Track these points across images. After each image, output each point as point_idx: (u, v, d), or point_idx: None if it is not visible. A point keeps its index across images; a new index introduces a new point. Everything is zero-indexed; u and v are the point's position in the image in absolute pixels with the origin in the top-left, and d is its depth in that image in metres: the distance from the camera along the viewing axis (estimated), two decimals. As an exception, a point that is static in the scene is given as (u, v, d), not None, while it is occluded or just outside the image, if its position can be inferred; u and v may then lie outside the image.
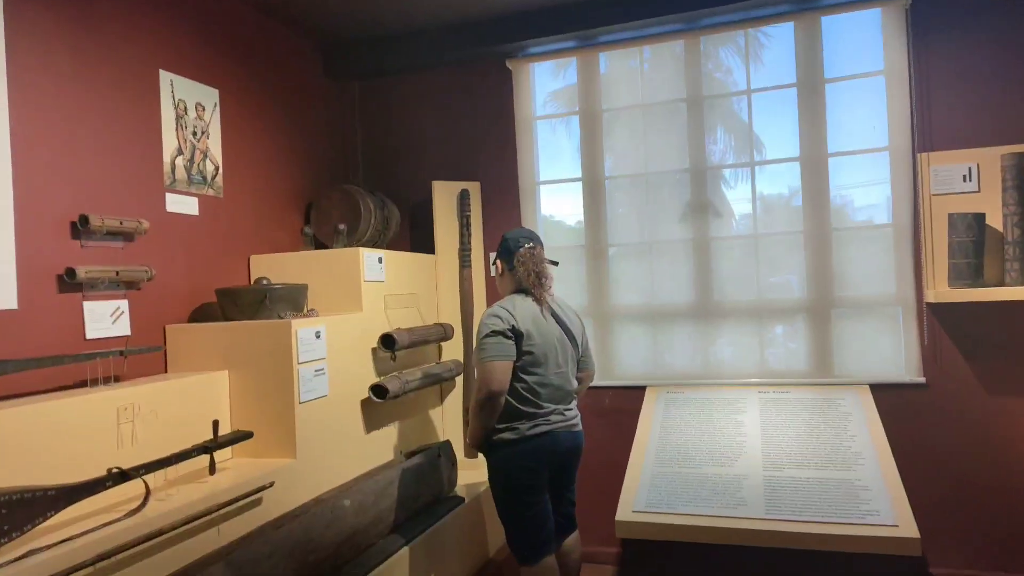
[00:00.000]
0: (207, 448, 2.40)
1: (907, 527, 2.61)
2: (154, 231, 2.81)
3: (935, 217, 3.25)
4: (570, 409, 2.74)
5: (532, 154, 3.95)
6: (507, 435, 2.60)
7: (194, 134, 3.04)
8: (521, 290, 2.77)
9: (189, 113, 3.02)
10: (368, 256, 3.25)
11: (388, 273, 3.40)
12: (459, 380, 3.88)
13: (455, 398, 3.89)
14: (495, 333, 2.58)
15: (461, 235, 3.91)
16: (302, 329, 2.73)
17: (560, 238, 3.95)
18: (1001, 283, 3.11)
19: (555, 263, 2.84)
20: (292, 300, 2.93)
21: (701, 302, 3.65)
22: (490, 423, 2.61)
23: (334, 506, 2.59)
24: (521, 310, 2.66)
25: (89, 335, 2.51)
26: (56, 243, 2.42)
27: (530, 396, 2.63)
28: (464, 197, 3.90)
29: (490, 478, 2.68)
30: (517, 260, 2.76)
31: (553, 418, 2.67)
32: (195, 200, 3.05)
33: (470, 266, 3.91)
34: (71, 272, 2.41)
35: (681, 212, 3.70)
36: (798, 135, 3.50)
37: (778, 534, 2.68)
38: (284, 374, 2.68)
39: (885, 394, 3.31)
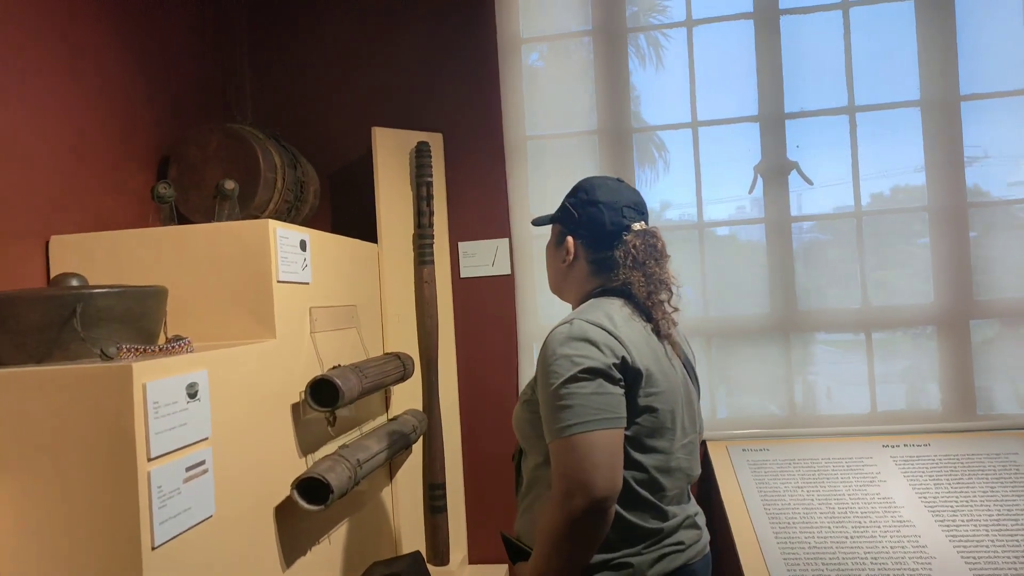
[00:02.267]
0: None
1: None
2: None
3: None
4: (698, 513, 1.47)
5: (520, 93, 2.63)
6: (612, 579, 1.30)
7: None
8: (609, 291, 1.46)
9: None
10: (283, 236, 1.79)
11: (314, 270, 1.96)
12: (417, 444, 2.48)
13: (411, 472, 2.48)
14: (590, 373, 1.27)
15: (418, 213, 2.51)
16: (155, 383, 1.26)
17: (565, 220, 2.66)
18: None
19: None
20: (133, 320, 1.44)
21: (781, 313, 2.49)
22: (587, 558, 1.27)
23: None
24: (628, 329, 1.35)
25: None
26: None
27: (648, 495, 1.34)
28: (422, 154, 2.51)
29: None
30: (622, 251, 1.44)
31: (686, 536, 1.38)
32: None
33: (432, 262, 2.52)
34: None
35: (749, 181, 2.52)
36: (917, 69, 2.44)
37: None
38: (117, 484, 1.21)
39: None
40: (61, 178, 1.87)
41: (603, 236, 1.44)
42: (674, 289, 1.46)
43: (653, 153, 2.61)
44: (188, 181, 2.15)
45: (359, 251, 2.32)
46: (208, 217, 2.07)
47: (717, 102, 2.55)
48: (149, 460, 1.24)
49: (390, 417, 2.33)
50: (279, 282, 1.75)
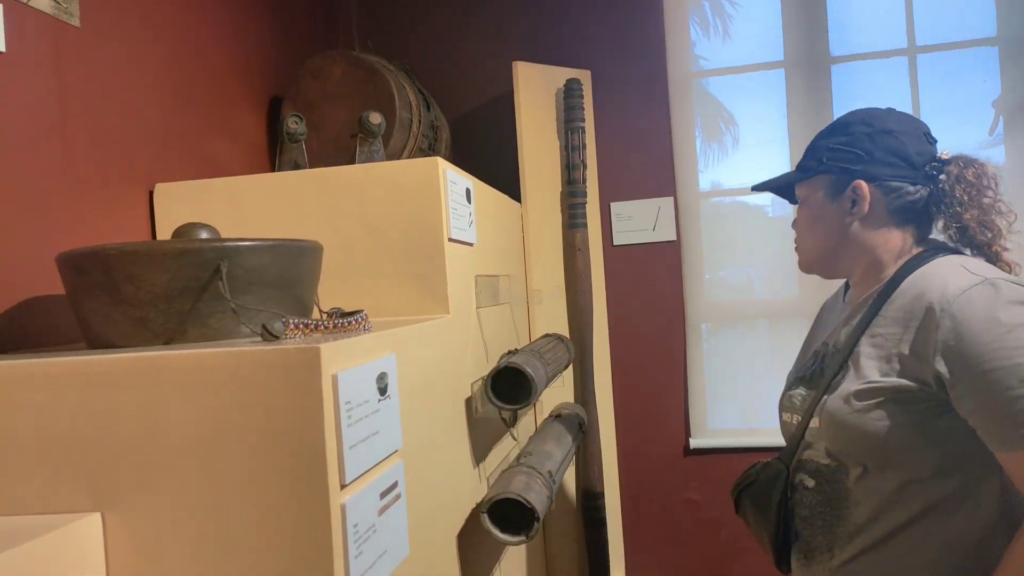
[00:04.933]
0: None
1: None
2: None
3: None
4: None
5: (685, 20, 2.17)
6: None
7: None
8: (937, 248, 1.10)
9: None
10: (452, 182, 1.38)
11: (476, 229, 1.54)
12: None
13: (565, 483, 2.06)
14: None
15: (568, 165, 2.08)
16: (346, 373, 0.85)
17: (740, 174, 2.20)
18: None
19: None
20: (288, 285, 1.04)
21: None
22: None
23: None
24: None
25: None
26: None
27: None
28: (573, 94, 2.07)
29: None
30: (945, 186, 1.07)
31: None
32: (-6, 8, 1.09)
33: (585, 225, 2.09)
34: None
35: (989, 120, 2.03)
36: None
37: None
38: (299, 522, 0.80)
39: None
40: (163, 120, 1.48)
41: (912, 172, 1.09)
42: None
43: (855, 88, 2.13)
44: (309, 120, 1.75)
45: (506, 209, 1.90)
46: (328, 165, 1.67)
47: (935, 23, 2.05)
48: (343, 487, 0.83)
49: (556, 417, 1.91)
50: (450, 240, 1.34)
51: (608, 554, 2.05)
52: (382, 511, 0.92)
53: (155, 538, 0.83)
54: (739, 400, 2.19)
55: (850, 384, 1.03)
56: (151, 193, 1.42)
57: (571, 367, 2.07)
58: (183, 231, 1.08)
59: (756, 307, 2.18)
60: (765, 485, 1.14)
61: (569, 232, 2.08)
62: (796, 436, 1.12)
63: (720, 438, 2.16)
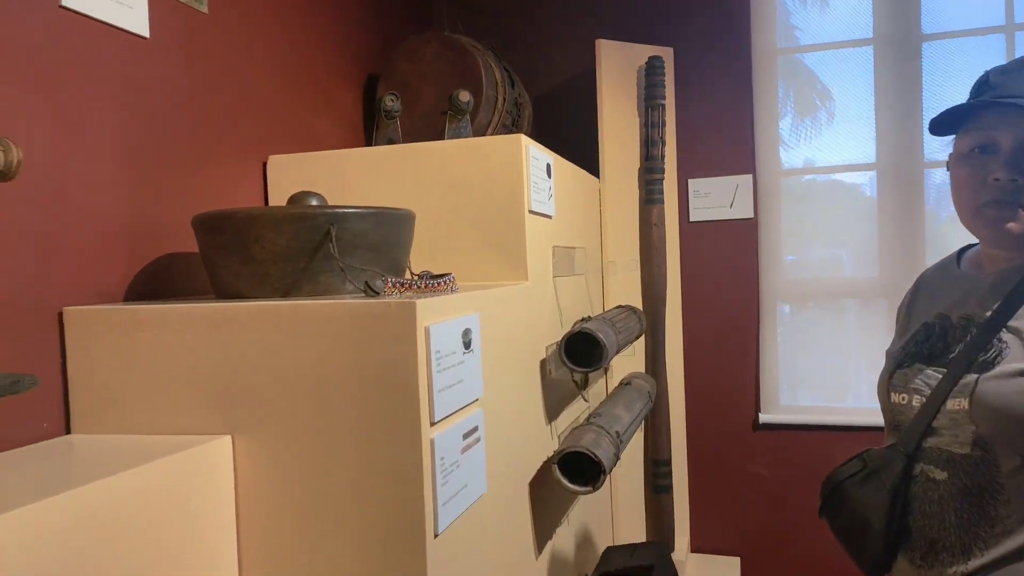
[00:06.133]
0: None
1: None
2: (16, 45, 1.02)
3: None
4: None
5: (772, -1, 2.17)
6: None
7: None
8: None
9: None
10: (534, 157, 1.47)
11: (555, 202, 1.63)
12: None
13: (631, 447, 2.15)
14: None
15: (647, 142, 2.13)
16: (437, 326, 0.97)
17: (836, 151, 2.20)
18: None
19: None
20: (387, 248, 1.16)
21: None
22: None
23: None
24: None
25: None
26: None
27: None
28: (654, 71, 2.12)
29: None
30: None
31: None
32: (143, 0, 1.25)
33: (662, 201, 2.14)
34: None
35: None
36: None
37: None
38: (395, 452, 0.93)
39: None
40: (276, 98, 1.64)
41: None
42: None
43: (947, 67, 2.08)
44: (401, 98, 1.87)
45: (584, 184, 1.98)
46: (420, 140, 1.79)
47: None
48: (433, 424, 0.96)
49: (627, 383, 2.00)
50: (530, 212, 1.44)
51: (673, 520, 2.13)
52: (464, 450, 1.05)
53: (274, 459, 0.98)
54: (814, 378, 2.21)
55: (1015, 361, 0.93)
56: (264, 164, 1.57)
57: (643, 338, 2.14)
58: (297, 198, 1.21)
59: (836, 286, 2.18)
60: (876, 475, 1.02)
61: (646, 207, 2.14)
62: (922, 420, 1.00)
63: (792, 415, 2.19)
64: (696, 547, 2.25)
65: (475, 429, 1.09)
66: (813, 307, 2.20)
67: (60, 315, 1.06)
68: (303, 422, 0.96)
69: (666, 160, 2.16)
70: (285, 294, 1.10)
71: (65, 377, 1.05)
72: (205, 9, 1.42)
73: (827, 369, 2.19)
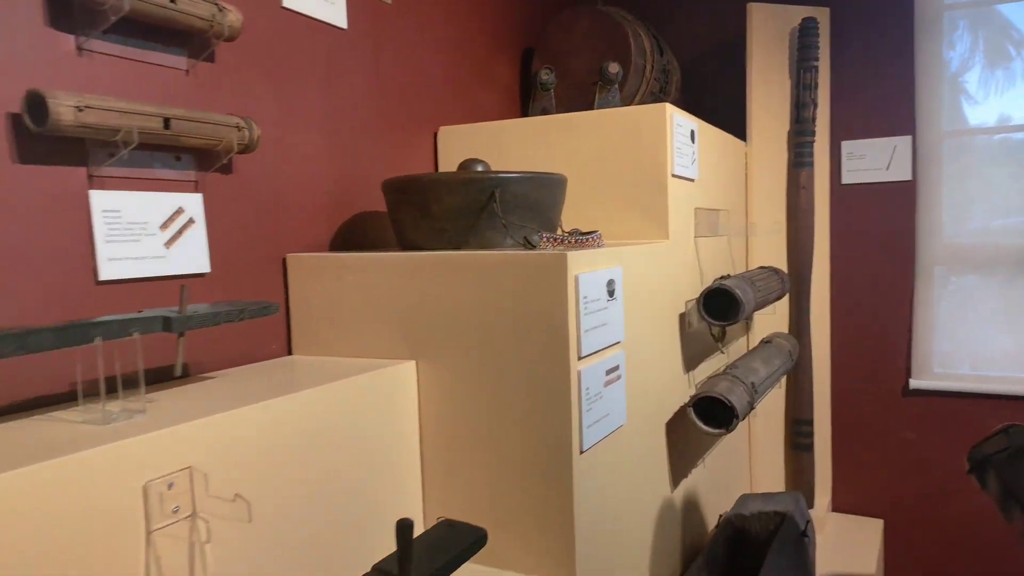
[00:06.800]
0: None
1: None
2: (251, 40, 1.28)
3: None
4: None
5: (943, -51, 2.07)
6: None
7: None
8: None
9: None
10: (678, 124, 1.57)
11: (699, 166, 1.72)
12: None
13: (770, 403, 2.20)
14: None
15: (798, 104, 2.13)
16: (585, 275, 1.12)
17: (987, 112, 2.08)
18: None
19: None
20: (543, 209, 1.33)
21: None
22: None
23: None
24: None
25: (104, 274, 1.03)
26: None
27: None
28: (808, 33, 2.10)
29: None
30: None
31: None
32: (340, -2, 1.48)
33: (812, 164, 2.14)
34: (36, 102, 0.91)
35: None
36: None
37: None
38: (549, 380, 1.11)
39: None
40: (444, 74, 1.84)
41: None
42: None
43: None
44: (553, 70, 2.02)
45: (730, 148, 2.03)
46: (571, 109, 1.93)
47: None
48: (580, 359, 1.12)
49: (767, 341, 2.06)
50: (673, 176, 1.54)
51: (813, 478, 2.17)
52: (607, 384, 1.20)
53: (448, 382, 1.19)
54: (970, 345, 2.13)
55: None
56: (435, 134, 1.79)
57: (786, 299, 2.17)
58: (466, 164, 1.41)
59: (999, 253, 2.08)
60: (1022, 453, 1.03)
61: (794, 171, 2.15)
62: None
63: (945, 382, 2.14)
64: (837, 507, 2.27)
65: (616, 367, 1.24)
66: (973, 273, 2.11)
67: (284, 260, 1.33)
68: (473, 352, 1.16)
69: (820, 121, 2.15)
70: (457, 246, 1.30)
71: (288, 310, 1.32)
72: (389, 0, 1.64)
73: (983, 337, 2.11)
